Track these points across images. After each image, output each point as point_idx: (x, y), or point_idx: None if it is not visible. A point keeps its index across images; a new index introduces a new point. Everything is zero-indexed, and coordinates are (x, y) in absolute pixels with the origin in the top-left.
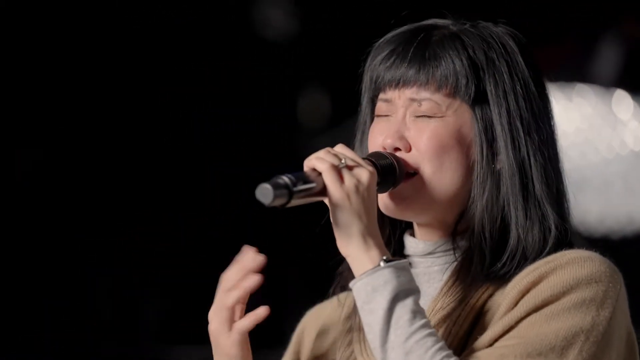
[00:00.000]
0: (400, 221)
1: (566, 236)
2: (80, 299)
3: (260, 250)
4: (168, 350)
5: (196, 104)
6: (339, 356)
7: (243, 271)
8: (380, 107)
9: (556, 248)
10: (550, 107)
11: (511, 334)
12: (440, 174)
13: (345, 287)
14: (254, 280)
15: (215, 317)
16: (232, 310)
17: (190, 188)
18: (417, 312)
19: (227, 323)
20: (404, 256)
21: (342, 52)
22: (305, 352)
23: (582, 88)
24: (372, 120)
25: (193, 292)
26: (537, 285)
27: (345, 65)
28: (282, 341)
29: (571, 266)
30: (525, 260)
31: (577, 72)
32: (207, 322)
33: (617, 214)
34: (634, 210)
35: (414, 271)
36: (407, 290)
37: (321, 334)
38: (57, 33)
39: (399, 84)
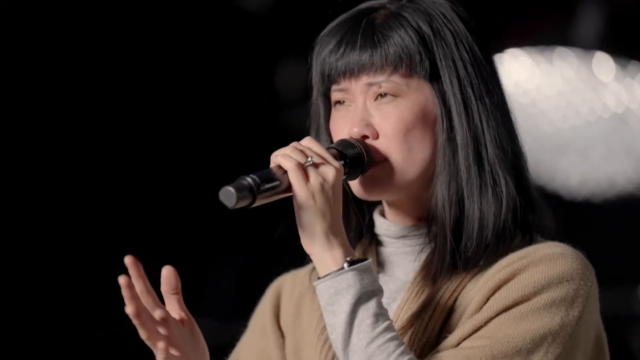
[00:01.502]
0: (368, 201)
1: (523, 199)
2: (80, 300)
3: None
4: None
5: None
6: (316, 344)
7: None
8: (337, 96)
9: (514, 216)
10: (497, 69)
11: (479, 333)
12: (409, 158)
13: None
14: (140, 285)
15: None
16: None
17: (183, 180)
18: (380, 314)
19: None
20: (375, 235)
21: (320, 23)
22: (285, 319)
23: (562, 51)
24: (326, 113)
25: (193, 292)
26: (508, 283)
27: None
28: None
29: (544, 264)
30: (487, 229)
31: (558, 35)
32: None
33: (599, 177)
34: (616, 173)
35: (384, 250)
36: (369, 292)
37: (297, 309)
38: (50, 35)
39: (353, 72)
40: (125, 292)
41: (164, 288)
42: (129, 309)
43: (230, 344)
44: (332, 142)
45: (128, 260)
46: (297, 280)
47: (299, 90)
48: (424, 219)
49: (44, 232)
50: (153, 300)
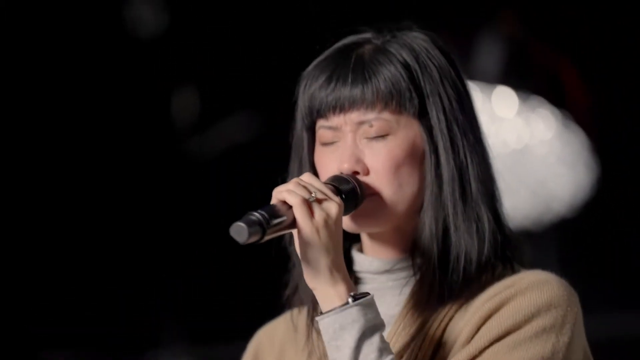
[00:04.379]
0: (345, 236)
1: (501, 234)
2: (81, 300)
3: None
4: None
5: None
6: None
7: None
8: (325, 135)
9: (495, 250)
10: (474, 104)
11: None
12: (399, 193)
13: (293, 305)
14: None
15: None
16: None
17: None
18: (384, 349)
19: None
20: (354, 272)
21: (214, 50)
22: None
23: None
24: (310, 147)
25: (193, 292)
26: (498, 312)
27: (216, 63)
28: None
29: (531, 292)
30: (470, 262)
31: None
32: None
33: None
34: (513, 208)
35: (365, 287)
36: (373, 327)
37: (280, 358)
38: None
39: (343, 107)
40: None
41: None
42: None
43: None
44: (317, 176)
45: None
46: (276, 331)
47: (194, 116)
48: (407, 251)
49: (44, 233)
50: None
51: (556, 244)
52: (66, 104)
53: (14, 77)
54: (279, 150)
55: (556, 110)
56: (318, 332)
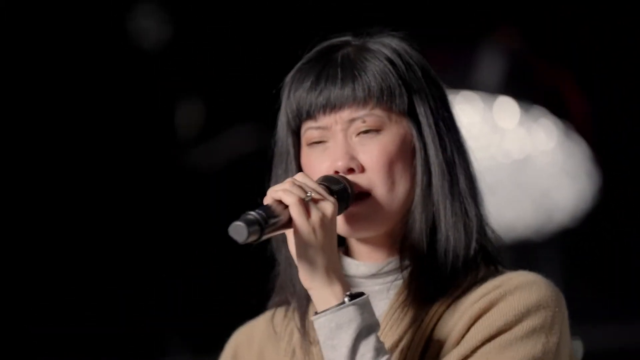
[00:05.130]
0: None
1: (485, 234)
2: (81, 300)
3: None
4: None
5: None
6: None
7: None
8: (312, 135)
9: (481, 248)
10: (452, 105)
11: None
12: (392, 191)
13: (280, 303)
14: None
15: None
16: None
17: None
18: (380, 349)
19: None
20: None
21: (217, 61)
22: None
23: (467, 94)
24: (296, 151)
25: (193, 291)
26: (488, 312)
27: (220, 74)
28: None
29: (520, 292)
30: (457, 258)
31: (460, 79)
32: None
33: (499, 222)
34: (515, 218)
35: (354, 291)
36: (369, 326)
37: (259, 356)
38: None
39: (334, 106)
40: None
41: None
42: None
43: None
44: None
45: None
46: (254, 332)
47: (198, 129)
48: (394, 253)
49: (43, 234)
50: None
51: (559, 254)
52: (70, 113)
53: (17, 87)
54: None
55: (558, 121)
56: (307, 334)
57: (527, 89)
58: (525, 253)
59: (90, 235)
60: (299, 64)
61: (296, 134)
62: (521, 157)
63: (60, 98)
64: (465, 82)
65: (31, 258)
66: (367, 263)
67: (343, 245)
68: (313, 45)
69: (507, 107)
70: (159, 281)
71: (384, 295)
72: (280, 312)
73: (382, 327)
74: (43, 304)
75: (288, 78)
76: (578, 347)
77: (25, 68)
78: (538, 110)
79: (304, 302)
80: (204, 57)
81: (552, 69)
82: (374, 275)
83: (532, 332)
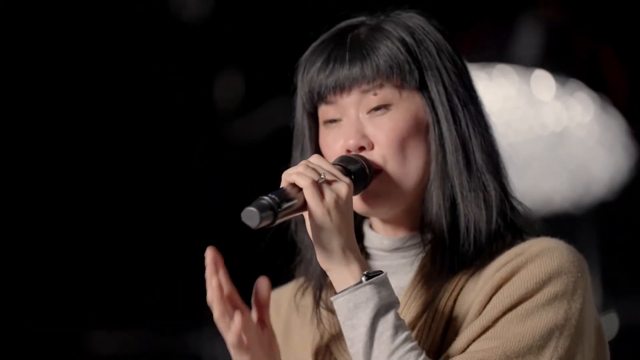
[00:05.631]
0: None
1: (508, 204)
2: (81, 301)
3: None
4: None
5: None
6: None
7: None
8: (327, 111)
9: (504, 220)
10: (473, 79)
11: (488, 334)
12: (405, 167)
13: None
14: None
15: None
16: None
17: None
18: (399, 326)
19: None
20: (364, 247)
21: (257, 33)
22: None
23: (503, 68)
24: (311, 133)
25: (193, 291)
26: (509, 280)
27: (260, 46)
28: None
29: (541, 259)
30: (480, 232)
31: (497, 52)
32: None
33: (536, 194)
34: (552, 191)
35: (376, 264)
36: (387, 304)
37: (286, 328)
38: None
39: (344, 87)
40: (209, 268)
41: (255, 299)
42: (213, 282)
43: None
44: None
45: (209, 253)
46: (282, 300)
47: (237, 102)
48: (415, 228)
49: (44, 234)
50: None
51: (595, 226)
52: (108, 88)
53: (54, 64)
54: None
55: (594, 94)
56: (329, 313)
57: (564, 62)
58: (561, 225)
59: (90, 236)
60: (312, 46)
61: (312, 116)
62: (558, 130)
63: (100, 72)
64: (504, 56)
65: (31, 258)
66: (390, 237)
67: (369, 218)
68: (331, 25)
69: (543, 81)
70: (159, 281)
71: (409, 268)
72: (304, 292)
73: (404, 301)
74: (43, 304)
75: (302, 59)
76: (613, 320)
77: (62, 43)
78: (574, 84)
79: (324, 281)
80: (243, 30)
81: (591, 42)
82: (397, 249)
83: (554, 299)
